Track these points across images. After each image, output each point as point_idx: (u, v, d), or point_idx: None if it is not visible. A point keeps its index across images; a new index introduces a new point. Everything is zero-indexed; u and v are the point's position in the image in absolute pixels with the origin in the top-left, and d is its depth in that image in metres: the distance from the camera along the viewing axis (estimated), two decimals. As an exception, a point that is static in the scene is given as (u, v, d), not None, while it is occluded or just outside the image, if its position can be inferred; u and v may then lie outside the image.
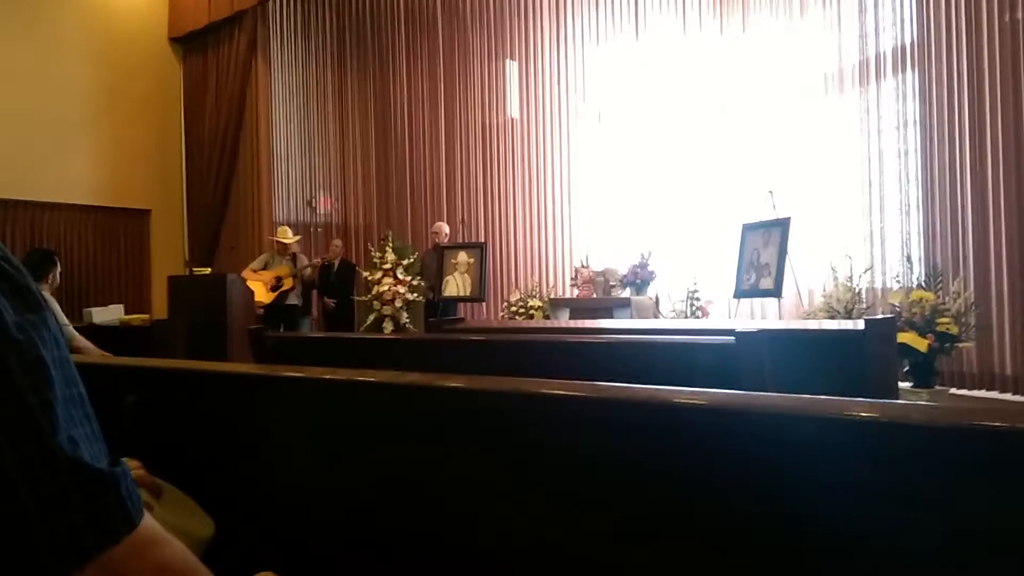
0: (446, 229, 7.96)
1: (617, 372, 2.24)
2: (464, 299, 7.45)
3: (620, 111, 8.23)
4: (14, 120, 8.44)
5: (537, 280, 8.19)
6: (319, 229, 9.99)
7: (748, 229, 6.37)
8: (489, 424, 1.22)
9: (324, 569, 1.40)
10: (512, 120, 8.86)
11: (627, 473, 1.04)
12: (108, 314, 7.78)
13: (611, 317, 6.34)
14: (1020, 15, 5.51)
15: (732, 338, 2.03)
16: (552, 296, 7.65)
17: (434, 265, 7.46)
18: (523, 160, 8.73)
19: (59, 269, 4.80)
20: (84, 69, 9.18)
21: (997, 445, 0.78)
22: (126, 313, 8.05)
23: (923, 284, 5.47)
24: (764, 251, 6.06)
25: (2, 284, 0.57)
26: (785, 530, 0.92)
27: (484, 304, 7.93)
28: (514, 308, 7.58)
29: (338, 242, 8.58)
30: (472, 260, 7.29)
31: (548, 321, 6.51)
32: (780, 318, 6.21)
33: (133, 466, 0.83)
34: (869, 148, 6.50)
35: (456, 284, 7.29)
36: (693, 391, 1.02)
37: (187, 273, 8.76)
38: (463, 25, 9.12)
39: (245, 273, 7.82)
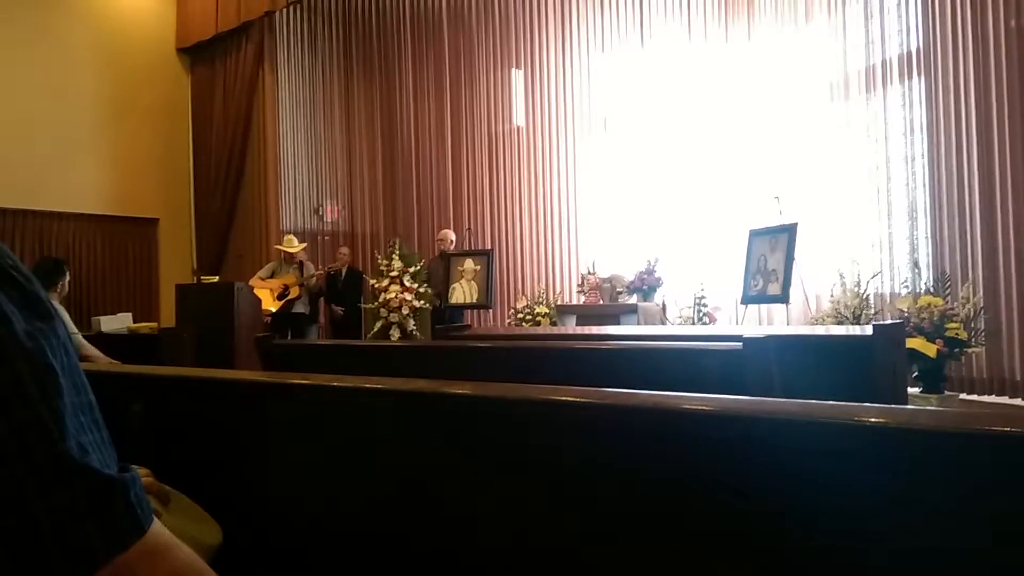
0: (452, 236, 7.97)
1: (624, 378, 2.23)
2: (471, 306, 7.45)
3: (626, 118, 8.24)
4: (23, 130, 8.50)
5: (544, 287, 8.18)
6: (326, 237, 10.01)
7: (755, 235, 6.36)
8: (496, 431, 1.21)
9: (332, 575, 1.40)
10: (518, 128, 8.87)
11: (635, 480, 1.04)
12: (116, 322, 7.80)
13: (618, 323, 6.33)
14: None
15: (739, 344, 2.03)
16: (559, 303, 7.64)
17: (441, 272, 7.46)
18: (529, 167, 8.73)
19: (68, 278, 4.83)
20: (92, 79, 9.25)
21: (1006, 450, 0.78)
22: (134, 321, 8.06)
23: (931, 289, 5.45)
24: (771, 257, 6.05)
25: (12, 293, 0.57)
26: (794, 535, 0.91)
27: (491, 311, 7.94)
28: (521, 315, 7.57)
29: (345, 250, 8.60)
30: (479, 267, 7.30)
31: (555, 328, 6.50)
32: (788, 324, 6.19)
33: (142, 473, 0.83)
34: (876, 154, 6.49)
35: (463, 291, 7.29)
36: (700, 397, 1.02)
37: (195, 281, 8.80)
38: (468, 34, 9.14)
39: (252, 281, 7.84)
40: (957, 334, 4.95)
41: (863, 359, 2.31)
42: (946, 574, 0.82)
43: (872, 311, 5.73)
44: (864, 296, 5.67)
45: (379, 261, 7.04)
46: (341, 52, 10.07)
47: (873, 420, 0.86)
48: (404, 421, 1.34)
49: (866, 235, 6.49)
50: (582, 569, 1.09)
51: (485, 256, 7.41)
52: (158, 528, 0.60)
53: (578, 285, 7.65)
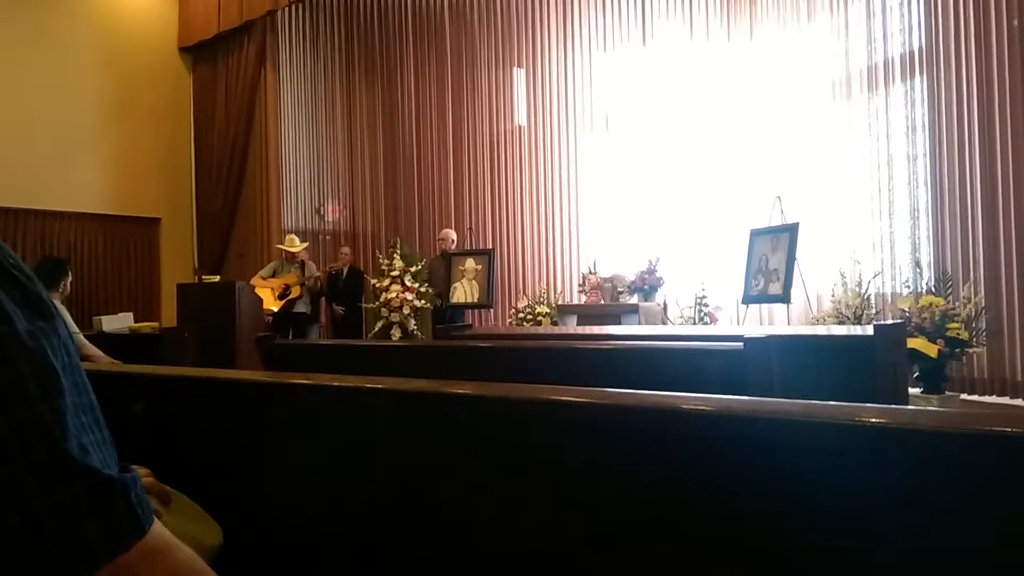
0: (453, 236, 7.97)
1: (624, 378, 2.23)
2: (472, 306, 7.45)
3: (628, 117, 8.23)
4: (25, 129, 8.50)
5: (545, 286, 8.18)
6: (327, 236, 10.02)
7: (756, 234, 6.35)
8: (497, 430, 1.21)
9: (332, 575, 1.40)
10: (519, 127, 8.87)
11: (636, 480, 1.04)
12: (118, 322, 7.81)
13: (619, 323, 6.33)
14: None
15: (740, 344, 2.03)
16: (560, 302, 7.64)
17: (442, 272, 7.47)
18: (530, 167, 8.74)
19: (70, 278, 4.83)
20: (94, 78, 9.25)
21: (1007, 451, 0.78)
22: (136, 321, 8.07)
23: (932, 289, 5.44)
24: (772, 256, 6.05)
25: (13, 292, 0.57)
26: (795, 535, 0.91)
27: (492, 311, 7.94)
28: (522, 315, 7.57)
29: (346, 249, 8.60)
30: (480, 267, 7.30)
31: (556, 328, 6.50)
32: (789, 324, 6.18)
33: (142, 473, 0.83)
34: (878, 153, 6.48)
35: (464, 291, 7.30)
36: (701, 397, 1.02)
37: (196, 281, 8.81)
38: (470, 33, 9.15)
39: (254, 280, 7.85)
40: (958, 334, 4.95)
41: (864, 359, 2.30)
42: (948, 574, 0.82)
43: (873, 311, 5.72)
44: (865, 296, 5.66)
45: (380, 260, 7.05)
46: (343, 51, 10.08)
47: (874, 420, 0.86)
48: (404, 421, 1.34)
49: (867, 235, 6.48)
50: (583, 569, 1.09)
51: (486, 255, 7.41)
52: (159, 528, 0.60)
53: (579, 285, 7.65)
